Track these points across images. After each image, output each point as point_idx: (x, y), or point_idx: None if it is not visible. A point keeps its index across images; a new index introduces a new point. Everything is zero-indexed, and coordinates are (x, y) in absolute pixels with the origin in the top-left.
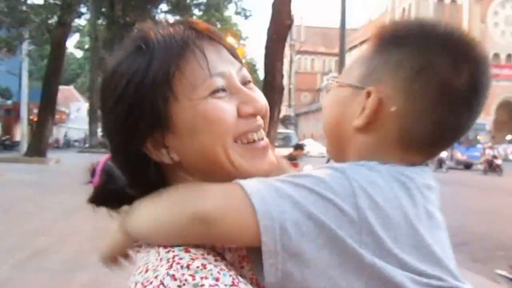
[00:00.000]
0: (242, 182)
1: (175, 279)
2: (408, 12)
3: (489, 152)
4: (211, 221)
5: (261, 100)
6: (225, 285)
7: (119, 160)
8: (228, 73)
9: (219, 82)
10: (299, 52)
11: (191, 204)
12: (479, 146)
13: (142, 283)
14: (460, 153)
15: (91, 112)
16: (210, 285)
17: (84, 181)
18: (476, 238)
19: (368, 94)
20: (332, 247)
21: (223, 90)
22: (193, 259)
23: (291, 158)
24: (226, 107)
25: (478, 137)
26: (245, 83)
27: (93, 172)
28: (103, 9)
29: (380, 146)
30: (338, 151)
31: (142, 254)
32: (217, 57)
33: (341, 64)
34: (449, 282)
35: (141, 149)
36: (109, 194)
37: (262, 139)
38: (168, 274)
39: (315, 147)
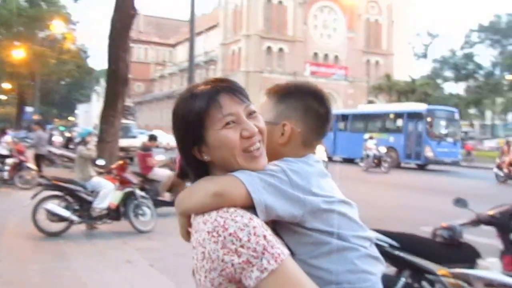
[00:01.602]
0: (235, 173)
1: (221, 217)
2: (240, 8)
3: None
4: (222, 193)
5: (259, 124)
6: (245, 218)
7: (183, 158)
8: (236, 111)
9: (229, 119)
10: (134, 41)
11: (211, 186)
12: (450, 140)
13: (203, 222)
14: (430, 149)
15: None
16: (238, 219)
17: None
18: None
19: (284, 125)
20: (283, 196)
21: (233, 122)
22: (230, 207)
23: (145, 149)
24: (232, 134)
25: (449, 127)
26: (250, 114)
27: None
28: None
29: (293, 150)
30: (273, 159)
31: (198, 220)
32: (230, 102)
33: (191, 51)
34: (337, 197)
35: (192, 152)
36: (185, 174)
37: (258, 149)
38: (217, 214)
39: (164, 138)
